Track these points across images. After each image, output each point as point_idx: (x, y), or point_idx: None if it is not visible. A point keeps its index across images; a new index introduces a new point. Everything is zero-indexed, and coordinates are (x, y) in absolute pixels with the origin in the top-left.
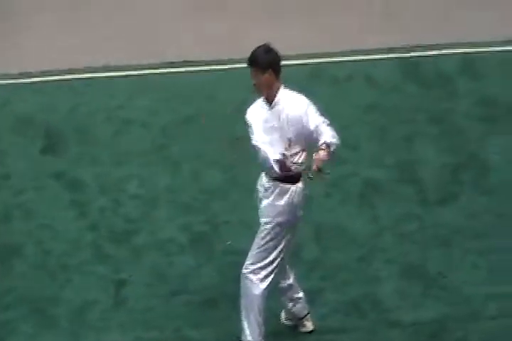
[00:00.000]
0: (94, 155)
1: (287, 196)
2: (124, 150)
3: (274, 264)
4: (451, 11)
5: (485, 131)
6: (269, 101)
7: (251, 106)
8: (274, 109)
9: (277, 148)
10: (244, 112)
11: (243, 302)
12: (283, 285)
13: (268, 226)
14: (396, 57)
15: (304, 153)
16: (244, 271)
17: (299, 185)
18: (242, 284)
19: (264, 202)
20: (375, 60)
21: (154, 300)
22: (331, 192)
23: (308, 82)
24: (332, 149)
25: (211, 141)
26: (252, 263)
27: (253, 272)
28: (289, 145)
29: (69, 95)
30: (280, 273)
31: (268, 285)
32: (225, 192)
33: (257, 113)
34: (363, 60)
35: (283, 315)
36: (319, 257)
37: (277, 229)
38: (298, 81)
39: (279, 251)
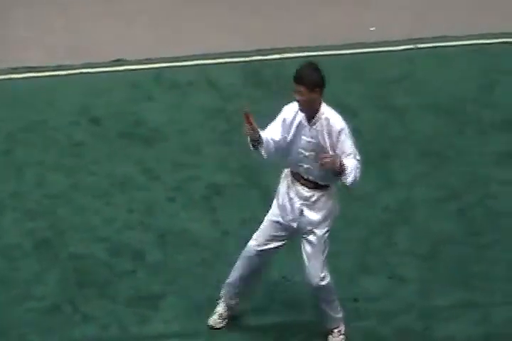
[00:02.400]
0: None
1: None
2: None
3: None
4: (293, 13)
5: None
6: (310, 116)
7: (289, 109)
8: (313, 127)
9: (311, 162)
10: (87, 116)
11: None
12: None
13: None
14: (238, 62)
15: None
16: (321, 283)
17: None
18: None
19: None
20: (216, 64)
21: None
22: (174, 196)
23: (150, 87)
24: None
25: (53, 146)
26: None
27: (325, 278)
28: None
29: None
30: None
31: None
32: (69, 197)
33: (294, 121)
34: (204, 65)
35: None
36: (163, 261)
37: None
38: (139, 85)
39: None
